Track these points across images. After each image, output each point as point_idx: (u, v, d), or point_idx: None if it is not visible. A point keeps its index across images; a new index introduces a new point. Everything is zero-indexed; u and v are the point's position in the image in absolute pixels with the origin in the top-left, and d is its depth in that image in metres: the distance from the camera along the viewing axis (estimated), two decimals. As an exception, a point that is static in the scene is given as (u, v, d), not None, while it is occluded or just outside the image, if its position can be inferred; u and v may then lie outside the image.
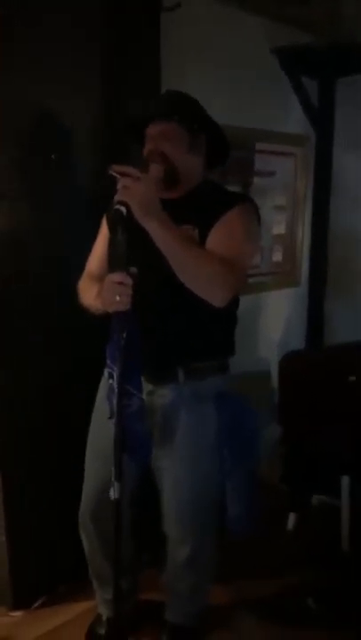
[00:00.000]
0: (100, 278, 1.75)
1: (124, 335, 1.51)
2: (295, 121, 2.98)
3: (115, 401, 1.56)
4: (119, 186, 1.48)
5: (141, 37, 2.11)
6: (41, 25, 1.86)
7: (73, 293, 1.80)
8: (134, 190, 1.46)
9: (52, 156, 1.99)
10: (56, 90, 1.92)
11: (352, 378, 2.44)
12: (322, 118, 3.02)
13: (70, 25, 1.93)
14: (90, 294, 1.74)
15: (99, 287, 1.65)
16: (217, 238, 1.61)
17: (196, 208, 1.64)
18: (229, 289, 1.59)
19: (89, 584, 2.06)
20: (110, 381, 1.64)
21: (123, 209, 1.46)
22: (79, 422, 1.88)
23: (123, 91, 2.11)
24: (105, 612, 2.03)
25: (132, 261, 1.50)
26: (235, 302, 1.75)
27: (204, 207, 1.65)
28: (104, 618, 2.03)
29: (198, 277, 1.54)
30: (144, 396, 1.64)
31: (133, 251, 1.49)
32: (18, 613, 2.13)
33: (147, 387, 1.68)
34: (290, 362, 2.61)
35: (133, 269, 1.50)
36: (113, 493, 1.55)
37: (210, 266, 1.55)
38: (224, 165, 1.89)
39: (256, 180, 2.85)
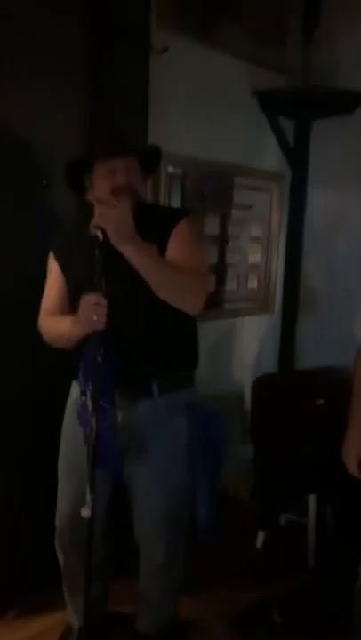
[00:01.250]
0: (60, 315, 1.83)
1: (101, 353, 1.59)
2: (272, 158, 3.10)
3: (89, 417, 1.62)
4: (97, 212, 1.60)
5: (130, 77, 2.22)
6: (27, 58, 1.94)
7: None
8: (111, 217, 1.58)
9: (43, 182, 2.08)
10: (44, 122, 2.01)
11: (320, 401, 2.53)
12: (297, 157, 3.14)
13: (57, 61, 2.01)
14: (54, 326, 1.81)
15: (71, 317, 1.73)
16: (175, 249, 1.72)
17: (148, 225, 1.71)
18: (202, 294, 1.72)
19: (62, 594, 2.08)
20: (83, 398, 1.71)
21: (99, 233, 1.58)
22: (55, 434, 1.92)
23: (110, 121, 2.20)
24: (75, 623, 2.04)
25: (107, 282, 1.59)
26: (195, 318, 1.84)
27: (155, 224, 1.75)
28: (75, 627, 2.04)
29: (174, 289, 1.66)
30: (118, 412, 1.71)
31: (110, 272, 1.58)
32: (-10, 623, 2.14)
33: (121, 402, 1.73)
34: (262, 384, 2.70)
35: (103, 286, 1.58)
36: (87, 506, 1.61)
37: (181, 277, 1.67)
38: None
39: (234, 212, 2.96)
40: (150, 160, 1.83)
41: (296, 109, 3.06)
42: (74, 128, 2.10)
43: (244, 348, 3.16)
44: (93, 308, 1.59)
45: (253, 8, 2.78)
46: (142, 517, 1.87)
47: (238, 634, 2.16)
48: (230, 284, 3.01)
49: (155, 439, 1.78)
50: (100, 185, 1.72)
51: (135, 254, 1.60)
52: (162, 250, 1.72)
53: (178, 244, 1.72)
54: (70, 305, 1.81)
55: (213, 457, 1.84)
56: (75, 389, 1.86)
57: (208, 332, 2.92)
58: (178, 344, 1.81)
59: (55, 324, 1.82)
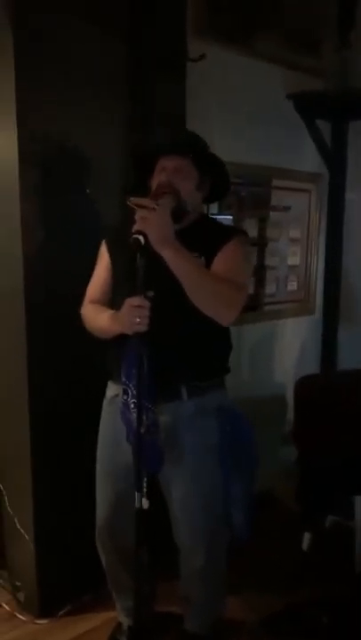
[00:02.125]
0: (102, 304, 1.86)
1: (145, 355, 1.59)
2: (310, 160, 3.08)
3: (132, 416, 1.64)
4: (137, 217, 1.59)
5: (168, 85, 2.25)
6: (69, 63, 1.98)
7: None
8: (151, 221, 1.57)
9: (88, 191, 2.13)
10: (87, 129, 2.06)
11: (364, 401, 2.49)
12: (334, 158, 3.12)
13: (100, 74, 2.06)
14: (95, 319, 1.83)
15: (110, 313, 1.76)
16: (219, 263, 1.72)
17: (200, 238, 1.74)
18: (236, 308, 1.70)
19: (111, 594, 2.11)
20: (125, 397, 1.72)
21: (141, 238, 1.55)
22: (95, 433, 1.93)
23: (150, 132, 2.24)
24: (125, 621, 2.06)
25: (148, 286, 1.58)
26: (228, 328, 1.83)
27: (207, 238, 1.75)
28: (125, 626, 2.06)
29: (209, 297, 1.65)
30: (155, 412, 1.70)
31: (150, 276, 1.57)
32: (43, 621, 2.17)
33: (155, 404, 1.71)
34: (305, 385, 2.67)
35: (150, 293, 1.59)
36: (136, 503, 1.62)
37: (219, 287, 1.66)
38: (222, 200, 1.98)
39: (272, 214, 2.95)
40: (216, 170, 1.80)
41: (332, 111, 3.04)
42: (116, 138, 2.15)
43: (285, 350, 3.13)
44: (136, 311, 1.60)
45: (288, 12, 2.78)
46: (178, 520, 1.87)
47: (284, 635, 2.13)
48: (270, 287, 3.00)
49: (185, 440, 1.78)
50: (153, 183, 1.74)
51: (174, 258, 1.60)
52: (208, 263, 1.72)
53: (223, 259, 1.72)
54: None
55: (245, 459, 1.82)
56: (110, 389, 1.87)
57: (249, 335, 2.91)
58: (209, 351, 1.80)
59: (96, 317, 1.84)
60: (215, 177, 1.81)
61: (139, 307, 1.60)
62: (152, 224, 1.58)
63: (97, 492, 1.93)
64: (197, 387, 1.77)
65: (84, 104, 2.05)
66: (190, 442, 1.78)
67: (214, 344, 1.81)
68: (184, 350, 1.74)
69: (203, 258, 1.72)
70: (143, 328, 1.60)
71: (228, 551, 1.96)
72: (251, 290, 2.85)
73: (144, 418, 1.63)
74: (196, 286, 1.63)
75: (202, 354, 1.78)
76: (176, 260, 1.60)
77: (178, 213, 1.70)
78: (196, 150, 1.76)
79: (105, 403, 1.91)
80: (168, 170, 1.73)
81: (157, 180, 1.74)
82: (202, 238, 1.74)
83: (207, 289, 1.65)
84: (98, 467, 1.93)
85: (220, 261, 1.72)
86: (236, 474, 1.81)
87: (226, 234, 1.77)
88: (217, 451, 1.79)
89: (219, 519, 1.86)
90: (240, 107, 2.65)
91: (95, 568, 2.10)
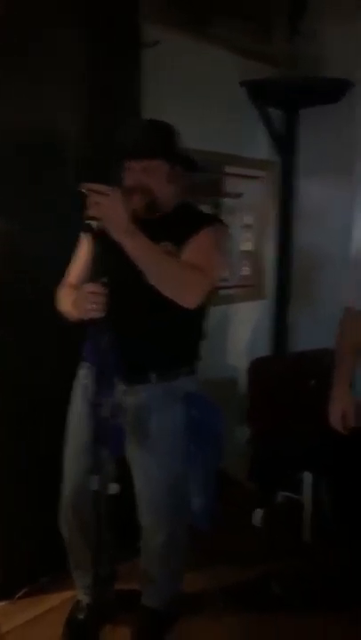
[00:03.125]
0: (77, 287, 1.84)
1: (105, 339, 1.62)
2: (262, 147, 3.12)
3: (91, 399, 1.67)
4: (89, 202, 1.58)
5: (123, 72, 2.24)
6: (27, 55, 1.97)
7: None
8: (103, 206, 1.56)
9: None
10: (46, 113, 2.04)
11: (313, 382, 2.59)
12: (286, 145, 3.16)
13: (55, 60, 2.04)
14: (66, 302, 1.83)
15: (75, 296, 1.76)
16: (188, 250, 1.73)
17: (172, 226, 1.76)
18: (197, 292, 1.70)
19: (69, 575, 2.12)
20: (85, 381, 1.75)
21: (93, 223, 1.56)
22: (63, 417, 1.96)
23: (107, 115, 2.23)
24: (84, 599, 2.09)
25: (109, 272, 1.61)
26: (202, 314, 1.86)
27: (179, 225, 1.77)
28: (83, 604, 2.08)
29: (168, 280, 1.64)
30: (118, 395, 1.74)
31: (112, 262, 1.59)
32: (1, 603, 2.18)
33: (120, 386, 1.76)
34: (257, 368, 2.75)
35: (103, 280, 1.60)
36: (92, 485, 1.66)
37: (180, 271, 1.68)
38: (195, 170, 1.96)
39: (225, 200, 2.99)
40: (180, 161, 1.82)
41: (284, 99, 3.08)
42: (71, 125, 2.13)
43: (238, 333, 3.20)
44: (91, 297, 1.62)
45: (241, 1, 2.80)
46: (143, 499, 1.92)
47: (240, 606, 2.21)
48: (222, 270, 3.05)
49: (152, 422, 1.82)
50: (125, 179, 1.75)
51: (130, 243, 1.59)
52: (183, 249, 1.74)
53: (192, 246, 1.73)
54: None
55: (211, 447, 1.87)
56: (82, 372, 1.90)
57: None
58: (178, 338, 1.83)
59: (65, 299, 1.85)
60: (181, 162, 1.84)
61: (92, 293, 1.62)
62: (104, 209, 1.57)
63: (64, 470, 1.96)
64: (166, 373, 1.81)
65: (41, 90, 2.02)
66: (157, 424, 1.82)
67: (184, 331, 1.83)
68: (152, 337, 1.77)
69: (176, 247, 1.74)
70: (98, 314, 1.62)
71: (187, 531, 2.01)
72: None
73: (106, 401, 1.66)
74: (153, 269, 1.63)
75: (170, 341, 1.81)
76: (131, 245, 1.59)
77: (151, 210, 1.74)
78: (161, 148, 1.77)
79: (75, 384, 1.93)
80: (136, 171, 1.74)
81: (128, 179, 1.75)
82: (177, 226, 1.76)
83: (165, 271, 1.65)
84: (66, 446, 1.95)
85: (189, 247, 1.74)
86: (199, 460, 1.86)
87: (200, 221, 1.80)
88: (182, 436, 1.84)
89: (181, 500, 1.91)
90: (194, 93, 2.66)
91: (52, 551, 2.12)
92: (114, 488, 1.70)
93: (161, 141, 1.79)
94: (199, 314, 1.84)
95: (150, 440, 1.83)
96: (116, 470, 1.90)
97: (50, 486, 1.99)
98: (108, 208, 1.57)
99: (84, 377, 1.86)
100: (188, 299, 1.68)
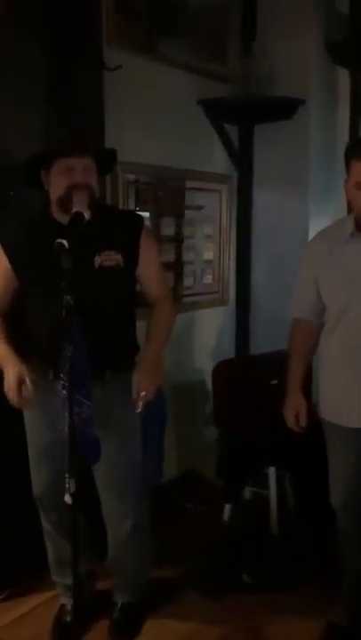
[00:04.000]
0: (5, 309, 1.96)
1: (70, 350, 1.65)
2: (219, 162, 3.27)
3: (66, 410, 1.70)
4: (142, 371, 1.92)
5: (86, 93, 2.35)
6: None
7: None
8: (153, 384, 1.92)
9: (11, 193, 2.20)
10: (6, 137, 2.14)
11: (274, 381, 2.73)
12: (242, 159, 3.32)
13: (19, 80, 2.14)
14: None
15: (4, 350, 1.90)
16: (148, 269, 1.98)
17: (109, 232, 1.89)
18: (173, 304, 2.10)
19: (49, 576, 2.21)
20: (64, 392, 1.83)
21: (65, 242, 1.58)
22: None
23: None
24: (68, 602, 2.14)
25: (76, 285, 1.63)
26: (134, 313, 2.05)
27: (116, 231, 1.91)
28: (68, 607, 2.13)
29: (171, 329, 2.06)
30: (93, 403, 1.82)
31: (79, 277, 1.63)
32: (-16, 606, 2.26)
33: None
34: (221, 369, 2.88)
35: (67, 298, 1.61)
36: (69, 489, 1.70)
37: (170, 325, 2.06)
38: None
39: (187, 212, 3.13)
40: (106, 162, 1.95)
41: (238, 116, 3.24)
42: (35, 143, 2.22)
43: (203, 338, 3.33)
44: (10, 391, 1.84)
45: (195, 24, 2.95)
46: (108, 487, 2.03)
47: (211, 594, 2.33)
48: (187, 280, 3.18)
49: (112, 414, 1.94)
50: (58, 182, 1.81)
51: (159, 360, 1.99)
52: (127, 258, 1.90)
53: (148, 265, 1.97)
54: (17, 298, 1.93)
55: (156, 419, 2.08)
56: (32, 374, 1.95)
57: (170, 326, 3.09)
58: (127, 337, 2.01)
59: None
60: (105, 167, 1.97)
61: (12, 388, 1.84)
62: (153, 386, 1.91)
63: (32, 470, 2.05)
64: (120, 368, 1.95)
65: (4, 113, 2.13)
66: (116, 415, 1.95)
67: (130, 330, 2.03)
68: (110, 340, 1.90)
69: (119, 255, 1.88)
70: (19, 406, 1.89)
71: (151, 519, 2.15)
72: (170, 283, 3.03)
73: (79, 411, 1.74)
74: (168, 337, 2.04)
75: (124, 342, 1.98)
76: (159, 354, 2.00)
77: (90, 207, 1.79)
78: (93, 148, 1.91)
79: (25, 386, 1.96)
80: (77, 169, 1.82)
81: (67, 178, 1.80)
82: (111, 231, 1.89)
83: (170, 331, 2.05)
84: (31, 451, 2.04)
85: (147, 266, 1.96)
86: (151, 436, 2.03)
87: (134, 225, 1.97)
88: (139, 420, 1.99)
89: (142, 482, 2.05)
90: (155, 113, 2.79)
91: (32, 553, 2.21)
92: (68, 499, 1.71)
93: (89, 142, 1.96)
94: (134, 311, 2.04)
95: (112, 429, 1.94)
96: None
97: (27, 487, 2.08)
98: (153, 386, 1.92)
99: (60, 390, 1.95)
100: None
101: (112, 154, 1.98)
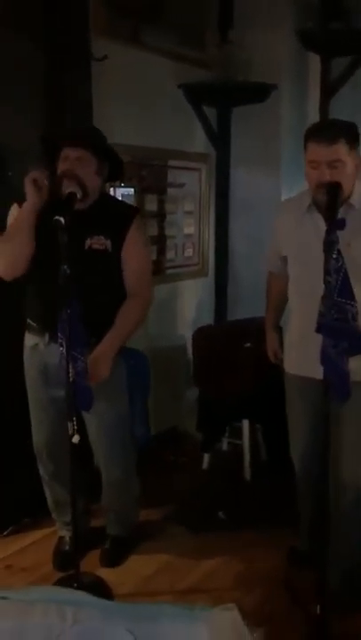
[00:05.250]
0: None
1: (68, 311, 1.92)
2: (199, 142, 3.50)
3: (64, 363, 1.99)
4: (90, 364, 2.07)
5: (75, 81, 2.56)
6: None
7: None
8: (99, 373, 2.12)
9: (9, 174, 2.44)
10: (5, 123, 2.36)
11: (248, 344, 3.03)
12: (220, 140, 3.55)
13: (15, 71, 2.36)
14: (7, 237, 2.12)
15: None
16: (130, 259, 2.16)
17: (102, 220, 2.13)
18: (151, 295, 2.28)
19: (47, 516, 2.51)
20: (61, 349, 2.09)
21: (61, 219, 1.84)
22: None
23: (61, 119, 2.56)
24: (66, 534, 2.45)
25: (72, 258, 1.89)
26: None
27: (109, 219, 2.15)
28: (66, 538, 2.44)
29: (138, 322, 2.24)
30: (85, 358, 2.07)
31: (74, 250, 1.91)
32: (-10, 540, 2.55)
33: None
34: (201, 334, 3.17)
35: (64, 268, 1.88)
36: (70, 430, 2.01)
37: (136, 320, 2.21)
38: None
39: (169, 190, 3.38)
40: (113, 165, 2.18)
41: (217, 99, 3.45)
42: (31, 128, 2.45)
43: (185, 307, 3.60)
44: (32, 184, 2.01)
45: (177, 14, 3.15)
46: (98, 441, 2.31)
47: (190, 530, 2.65)
48: (170, 254, 3.43)
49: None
50: (58, 168, 2.09)
51: (112, 357, 2.14)
52: (115, 243, 2.13)
53: (131, 255, 2.16)
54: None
55: (142, 383, 2.33)
56: (29, 340, 2.25)
57: (154, 296, 3.34)
58: (111, 313, 2.19)
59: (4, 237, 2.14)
60: (111, 163, 2.19)
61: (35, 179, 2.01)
62: (99, 373, 2.10)
63: (32, 421, 2.32)
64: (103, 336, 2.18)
65: (3, 98, 2.34)
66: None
67: (118, 304, 2.21)
68: (99, 309, 2.14)
69: (108, 240, 2.12)
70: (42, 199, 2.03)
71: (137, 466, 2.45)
72: (154, 256, 3.28)
73: (75, 366, 2.00)
74: (133, 331, 2.21)
75: (108, 315, 2.18)
76: (113, 353, 2.16)
77: (82, 194, 2.05)
78: (95, 143, 2.13)
79: (26, 352, 2.27)
80: (70, 159, 2.08)
81: (62, 166, 2.09)
82: (105, 219, 2.13)
83: (134, 325, 2.21)
84: (32, 404, 2.31)
85: (129, 256, 2.16)
86: (137, 395, 2.30)
87: (126, 216, 2.18)
88: (125, 381, 2.26)
89: (129, 437, 2.34)
90: (139, 97, 3.00)
91: (31, 496, 2.51)
92: (76, 438, 2.04)
93: (93, 138, 2.15)
94: (124, 291, 2.23)
95: (101, 390, 2.19)
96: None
97: (28, 435, 2.36)
98: (100, 371, 2.11)
99: (31, 343, 2.22)
100: (150, 303, 2.30)
101: (115, 157, 2.17)
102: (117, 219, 2.18)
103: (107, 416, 2.27)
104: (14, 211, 2.17)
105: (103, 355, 2.14)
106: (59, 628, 1.13)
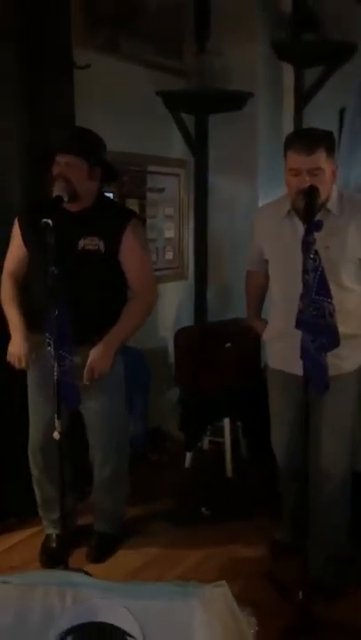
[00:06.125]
0: (19, 274, 2.33)
1: (56, 312, 1.98)
2: (178, 148, 3.60)
3: (52, 362, 2.06)
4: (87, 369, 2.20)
5: (58, 89, 2.64)
6: None
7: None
8: (99, 367, 2.23)
9: None
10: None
11: (227, 344, 3.12)
12: (198, 146, 3.66)
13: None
14: (5, 303, 2.30)
15: (16, 318, 2.29)
16: (128, 262, 2.25)
17: (97, 221, 2.21)
18: (154, 296, 2.37)
19: (33, 516, 2.57)
20: (48, 348, 2.17)
21: (49, 221, 1.92)
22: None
23: (47, 127, 2.62)
24: (53, 532, 2.50)
25: (60, 259, 1.96)
26: (126, 288, 2.33)
27: (104, 221, 2.23)
28: (53, 536, 2.50)
29: (143, 319, 2.33)
30: (73, 357, 2.15)
31: (62, 252, 1.98)
32: (-23, 540, 2.59)
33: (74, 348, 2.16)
34: (182, 335, 3.26)
35: (52, 269, 1.95)
36: (57, 428, 2.08)
37: (142, 315, 2.30)
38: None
39: (149, 194, 3.46)
40: (106, 171, 2.28)
41: (194, 106, 3.56)
42: (14, 135, 2.52)
43: (166, 309, 3.67)
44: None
45: (155, 25, 3.25)
46: (95, 437, 2.39)
47: (174, 526, 2.72)
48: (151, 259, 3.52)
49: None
50: (53, 171, 2.19)
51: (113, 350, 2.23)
52: (108, 245, 2.19)
53: (128, 258, 2.24)
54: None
55: (142, 385, 2.40)
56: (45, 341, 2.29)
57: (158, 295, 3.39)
58: (112, 307, 2.29)
59: (8, 304, 2.32)
60: (104, 166, 2.28)
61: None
62: (101, 366, 2.20)
63: (30, 418, 2.39)
64: (105, 334, 2.27)
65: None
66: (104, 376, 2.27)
67: (115, 302, 2.30)
68: (94, 308, 2.23)
69: (102, 241, 2.19)
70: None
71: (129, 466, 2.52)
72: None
73: (62, 364, 2.06)
74: (138, 327, 2.30)
75: (107, 309, 2.27)
76: (116, 347, 2.24)
77: (71, 198, 2.15)
78: (83, 150, 2.20)
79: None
80: (61, 164, 2.17)
81: (55, 170, 2.19)
82: (99, 221, 2.21)
83: (139, 321, 2.29)
84: (30, 398, 2.38)
85: (128, 259, 2.23)
86: (136, 396, 2.37)
87: (121, 218, 2.26)
88: (122, 380, 2.32)
89: (124, 435, 2.43)
90: (119, 104, 3.09)
91: (18, 496, 2.55)
92: (56, 435, 2.08)
93: (82, 144, 2.23)
94: (124, 289, 2.33)
95: (99, 388, 2.29)
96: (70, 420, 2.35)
97: (18, 436, 2.41)
98: (100, 367, 2.22)
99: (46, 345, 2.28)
100: (153, 303, 2.38)
101: (95, 153, 2.24)
102: (112, 221, 2.26)
103: (104, 413, 2.35)
104: (16, 228, 2.33)
105: (103, 351, 2.22)
106: (59, 608, 1.19)
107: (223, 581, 1.28)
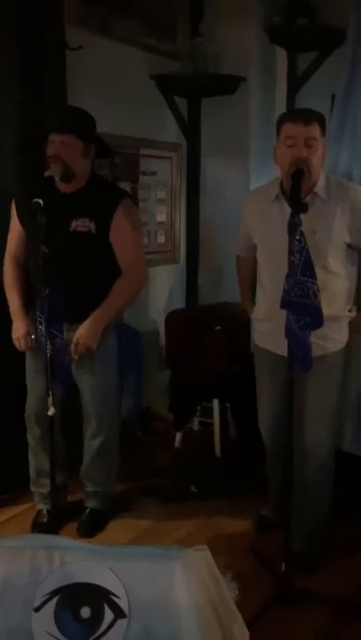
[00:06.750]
0: (21, 255, 2.37)
1: (47, 291, 2.04)
2: (170, 132, 3.62)
3: (43, 340, 2.13)
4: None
5: (51, 70, 2.66)
6: None
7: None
8: (89, 342, 2.29)
9: None
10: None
11: (217, 327, 3.18)
12: (191, 129, 3.68)
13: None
14: (8, 292, 2.36)
15: (17, 305, 2.36)
16: (116, 241, 2.28)
17: (89, 203, 2.25)
18: (143, 275, 2.41)
19: (25, 493, 2.64)
20: (40, 327, 2.22)
21: (40, 201, 1.95)
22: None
23: (39, 109, 2.64)
24: (43, 507, 2.58)
25: (52, 240, 2.00)
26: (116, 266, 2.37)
27: (95, 202, 2.26)
28: (44, 511, 2.57)
29: (131, 298, 2.38)
30: (69, 334, 2.24)
31: (54, 232, 2.03)
32: (-30, 516, 2.66)
33: (69, 327, 2.25)
34: (173, 318, 3.31)
35: (43, 248, 1.99)
36: (50, 404, 2.14)
37: (130, 294, 2.35)
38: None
39: (142, 177, 3.49)
40: (99, 146, 2.31)
41: (187, 90, 3.57)
42: (8, 116, 2.55)
43: (157, 292, 3.72)
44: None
45: (148, 7, 3.26)
46: (88, 409, 2.46)
47: (164, 502, 2.80)
48: (143, 240, 3.56)
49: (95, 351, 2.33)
50: (47, 151, 2.22)
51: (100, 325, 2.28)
52: (99, 227, 2.23)
53: (117, 237, 2.27)
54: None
55: (136, 360, 2.46)
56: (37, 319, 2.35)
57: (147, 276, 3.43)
58: (105, 285, 2.34)
59: (9, 289, 2.38)
60: (97, 143, 2.32)
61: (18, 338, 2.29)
62: (89, 341, 2.27)
63: (28, 389, 2.46)
64: None
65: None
66: (97, 350, 2.33)
67: (108, 279, 2.34)
68: (87, 286, 2.28)
69: (93, 223, 2.23)
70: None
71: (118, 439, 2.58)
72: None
73: (54, 342, 2.12)
74: (124, 306, 2.36)
75: (99, 287, 2.32)
76: (110, 317, 2.30)
77: (66, 178, 2.19)
78: (78, 128, 2.24)
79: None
80: (56, 143, 2.20)
81: (49, 150, 2.22)
82: (91, 202, 2.25)
83: (126, 300, 2.35)
84: (27, 369, 2.45)
85: (117, 239, 2.27)
86: (130, 371, 2.43)
87: (112, 199, 2.29)
88: (116, 355, 2.39)
89: (116, 409, 2.50)
90: (112, 87, 3.10)
91: (9, 472, 2.62)
92: (52, 411, 2.14)
93: (76, 122, 2.27)
94: (117, 269, 2.35)
95: (93, 361, 2.35)
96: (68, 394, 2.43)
97: (7, 413, 2.47)
98: (86, 340, 2.26)
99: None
100: (142, 282, 2.42)
101: (88, 131, 2.27)
102: (104, 202, 2.29)
103: (97, 388, 2.42)
104: (14, 210, 2.38)
105: (89, 327, 2.27)
106: (47, 569, 1.25)
107: (205, 545, 1.35)
